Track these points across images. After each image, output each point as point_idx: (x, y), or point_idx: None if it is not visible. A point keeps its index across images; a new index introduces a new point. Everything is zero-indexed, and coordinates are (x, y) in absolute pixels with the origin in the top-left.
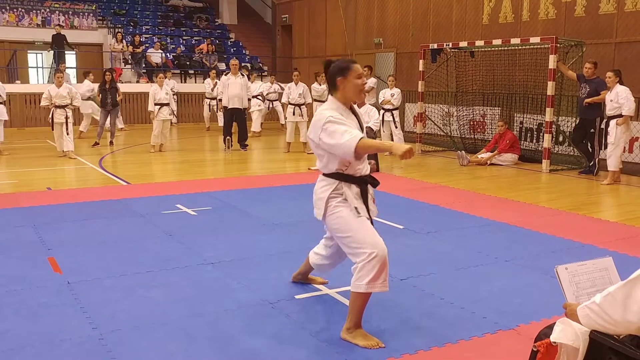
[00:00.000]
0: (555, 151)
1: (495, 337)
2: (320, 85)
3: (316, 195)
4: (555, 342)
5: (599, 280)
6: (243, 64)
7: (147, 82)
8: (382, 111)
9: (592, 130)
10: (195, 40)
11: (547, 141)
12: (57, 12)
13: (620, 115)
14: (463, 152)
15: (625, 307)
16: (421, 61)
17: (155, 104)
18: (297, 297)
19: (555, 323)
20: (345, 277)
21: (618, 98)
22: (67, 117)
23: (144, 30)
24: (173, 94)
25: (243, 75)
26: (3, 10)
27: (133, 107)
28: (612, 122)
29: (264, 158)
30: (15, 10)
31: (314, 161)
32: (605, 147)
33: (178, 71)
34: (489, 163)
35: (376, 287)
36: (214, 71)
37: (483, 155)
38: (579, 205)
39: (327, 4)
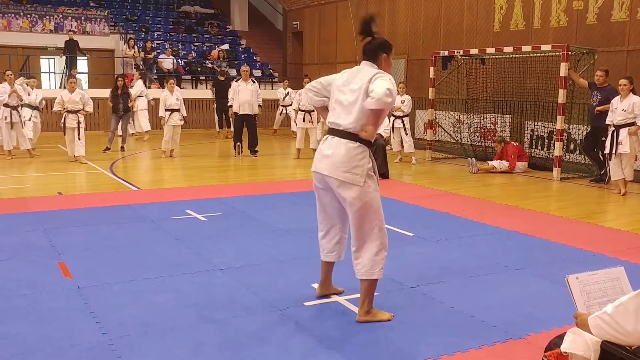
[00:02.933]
0: (566, 159)
1: (505, 347)
2: None
3: (352, 161)
4: (565, 352)
5: (611, 290)
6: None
7: (158, 88)
8: (392, 118)
9: (603, 138)
10: (207, 46)
11: (558, 149)
12: (69, 18)
13: (631, 124)
14: (473, 159)
15: (638, 317)
16: (432, 68)
17: (166, 110)
18: (306, 304)
19: (565, 333)
20: (355, 283)
21: (634, 108)
22: (79, 122)
23: (155, 36)
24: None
25: (254, 81)
26: (17, 16)
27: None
28: (624, 131)
29: (274, 164)
30: (28, 16)
31: None
32: (610, 158)
33: (189, 77)
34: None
35: (381, 271)
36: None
37: (494, 162)
38: (590, 213)
39: (338, 10)
